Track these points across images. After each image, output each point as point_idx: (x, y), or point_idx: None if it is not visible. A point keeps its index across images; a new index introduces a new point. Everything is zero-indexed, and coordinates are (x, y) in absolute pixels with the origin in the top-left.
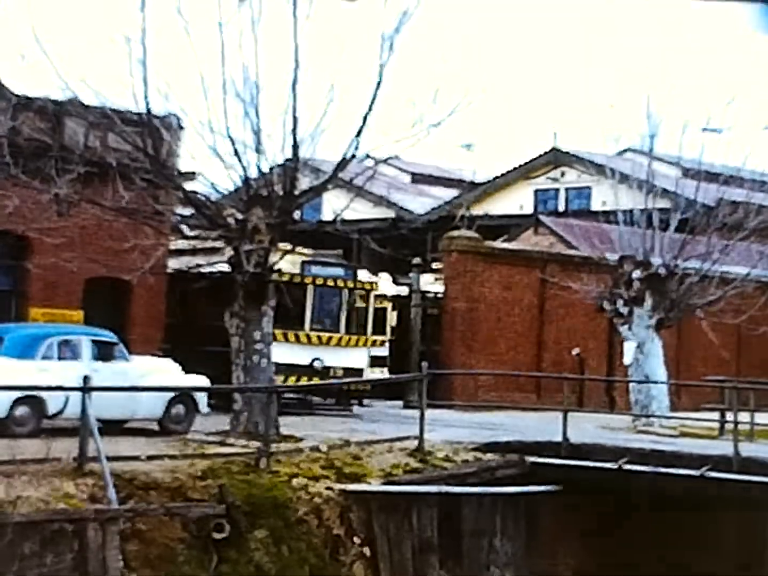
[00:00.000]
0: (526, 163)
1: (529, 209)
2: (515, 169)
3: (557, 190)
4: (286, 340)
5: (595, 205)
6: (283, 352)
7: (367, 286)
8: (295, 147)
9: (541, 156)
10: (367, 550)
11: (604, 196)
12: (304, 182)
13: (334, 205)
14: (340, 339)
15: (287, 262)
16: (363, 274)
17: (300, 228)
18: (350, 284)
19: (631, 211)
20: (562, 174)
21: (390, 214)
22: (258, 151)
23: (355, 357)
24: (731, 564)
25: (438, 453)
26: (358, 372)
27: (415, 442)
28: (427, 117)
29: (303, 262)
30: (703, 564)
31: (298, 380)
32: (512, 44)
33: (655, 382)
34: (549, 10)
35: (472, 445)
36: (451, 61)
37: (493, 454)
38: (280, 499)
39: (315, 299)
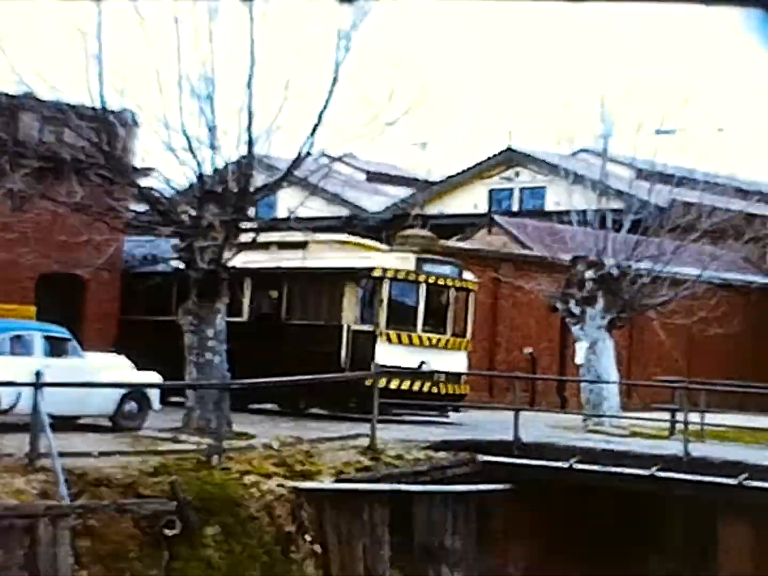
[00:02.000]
0: (480, 163)
1: (483, 209)
2: (470, 168)
3: (511, 189)
4: (400, 341)
5: (549, 206)
6: (393, 354)
7: (470, 286)
8: (250, 144)
9: (495, 156)
10: (318, 548)
11: (557, 197)
12: (259, 179)
13: (288, 202)
14: (447, 341)
15: (397, 259)
16: (467, 274)
17: (254, 225)
18: (457, 283)
19: (584, 211)
20: (517, 174)
21: (345, 212)
22: (213, 147)
23: (457, 360)
24: (681, 563)
25: (390, 451)
26: (458, 377)
27: (367, 440)
28: (383, 115)
29: (418, 259)
30: (653, 563)
31: (400, 384)
32: (469, 44)
33: (607, 382)
34: (506, 11)
35: (424, 444)
36: (408, 61)
37: (445, 453)
38: (232, 496)
39: (427, 299)
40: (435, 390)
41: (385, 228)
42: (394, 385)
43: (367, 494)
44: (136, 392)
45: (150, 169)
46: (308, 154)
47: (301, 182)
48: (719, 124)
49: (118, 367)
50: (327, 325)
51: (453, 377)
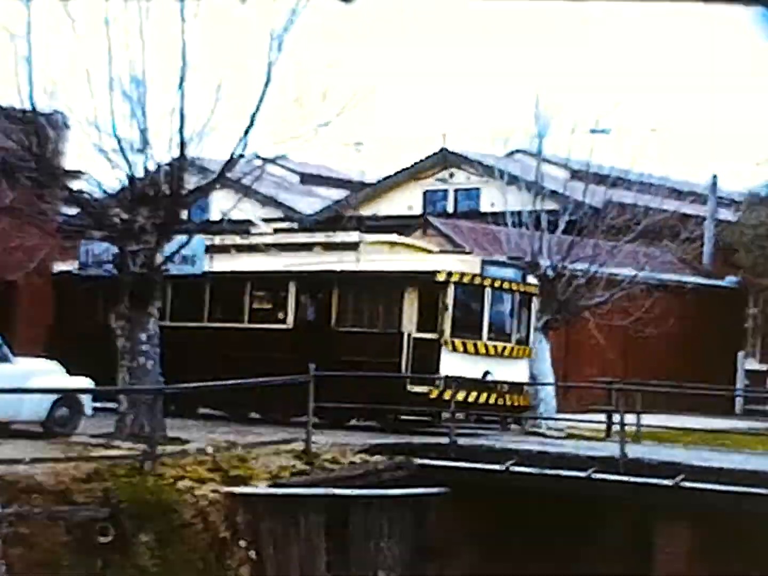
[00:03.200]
0: (415, 164)
1: (418, 210)
2: (404, 169)
3: (446, 191)
4: (465, 350)
5: (484, 207)
6: (459, 364)
7: (532, 290)
8: (182, 146)
9: (430, 157)
10: (253, 553)
11: (492, 198)
12: (192, 182)
13: (221, 205)
14: (512, 350)
15: (461, 261)
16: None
17: (187, 228)
18: (521, 287)
19: (519, 212)
20: (451, 175)
21: (278, 214)
22: (144, 150)
23: (519, 369)
24: (618, 565)
25: (325, 455)
26: (520, 387)
27: (303, 445)
28: (316, 117)
29: (483, 261)
30: (591, 566)
31: (467, 396)
32: (404, 45)
33: (543, 384)
34: (442, 11)
35: (359, 447)
36: (342, 62)
37: (381, 456)
38: (166, 502)
39: (492, 304)
40: (501, 401)
41: (319, 230)
42: (460, 396)
43: (302, 499)
44: (67, 398)
45: (81, 172)
46: (241, 156)
47: (234, 184)
48: (653, 124)
49: (49, 373)
50: (384, 333)
51: (516, 388)
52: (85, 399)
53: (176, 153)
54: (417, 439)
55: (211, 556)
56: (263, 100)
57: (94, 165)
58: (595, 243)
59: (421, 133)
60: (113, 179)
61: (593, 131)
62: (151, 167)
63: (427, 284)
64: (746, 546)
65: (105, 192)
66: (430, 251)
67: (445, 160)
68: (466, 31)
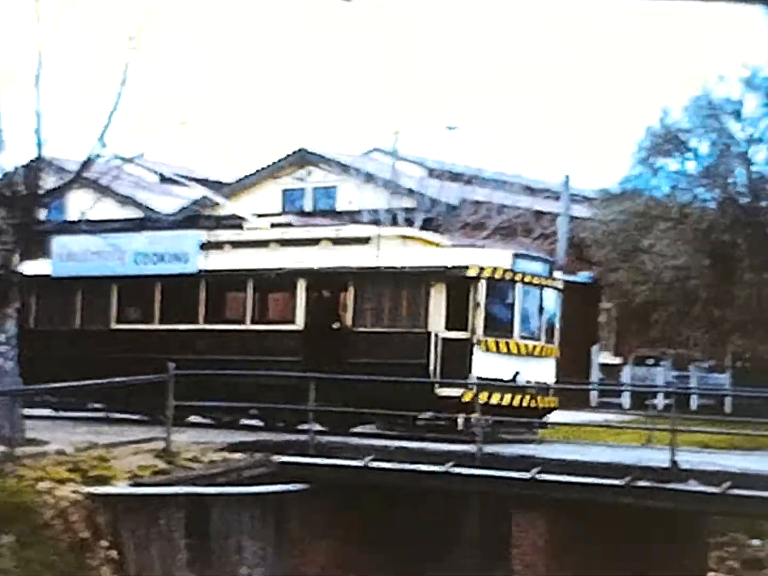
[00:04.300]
0: (273, 163)
1: (277, 209)
2: (263, 169)
3: (304, 189)
4: (498, 350)
5: (342, 205)
6: (491, 365)
7: (560, 285)
8: (39, 146)
9: (288, 156)
10: (114, 553)
11: (350, 196)
12: (49, 182)
13: (80, 205)
14: (542, 349)
15: (493, 255)
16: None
17: (44, 228)
18: (549, 282)
19: (376, 210)
20: (309, 173)
21: (137, 214)
22: (0, 150)
23: (546, 369)
24: (476, 560)
25: (185, 454)
26: (546, 388)
27: (163, 444)
28: (176, 116)
29: (515, 255)
30: (449, 561)
31: (501, 399)
32: (263, 42)
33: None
34: (296, 10)
35: (220, 446)
36: (203, 62)
37: (242, 454)
38: (26, 504)
39: (522, 301)
40: (534, 404)
41: (178, 230)
42: (495, 399)
43: (163, 498)
44: None
45: None
46: (98, 155)
47: (92, 184)
48: (507, 122)
49: None
50: (409, 332)
51: (543, 389)
52: None
53: (33, 153)
54: (277, 437)
55: (72, 556)
56: (120, 100)
57: None
58: (452, 239)
59: (280, 132)
60: None
61: (449, 128)
62: (8, 167)
63: (456, 280)
64: (601, 536)
65: None
66: (439, 244)
67: (303, 158)
68: (327, 28)
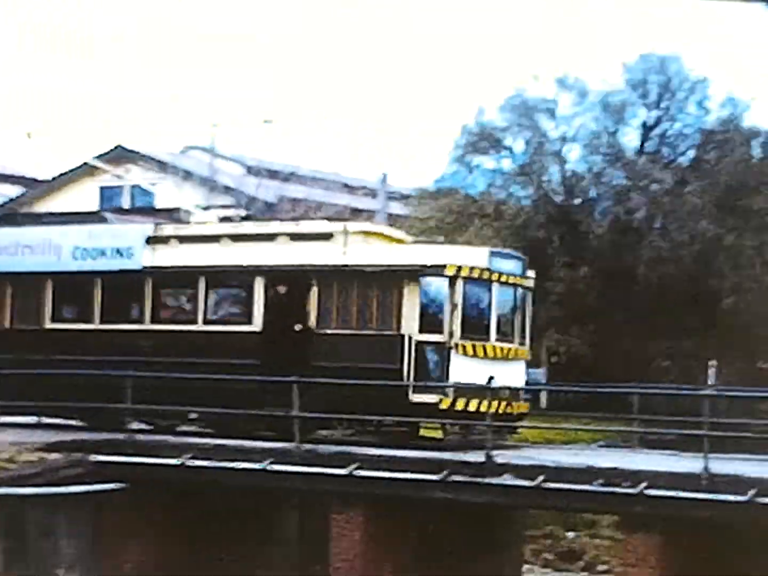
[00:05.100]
0: (91, 160)
1: (94, 206)
2: (81, 165)
3: (122, 187)
4: (475, 354)
5: (161, 203)
6: (467, 369)
7: (531, 285)
8: None
9: (105, 153)
10: None
11: (169, 194)
12: None
13: None
14: (516, 351)
15: (469, 253)
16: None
17: None
18: (523, 282)
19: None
20: (127, 171)
21: None
22: None
23: (517, 373)
24: (294, 558)
25: (1, 454)
26: (518, 392)
27: None
28: None
29: (491, 253)
30: (268, 558)
31: (479, 405)
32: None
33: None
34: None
35: (36, 446)
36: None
37: (59, 454)
38: None
39: (498, 301)
40: (509, 410)
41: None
42: (472, 406)
43: None
44: None
45: None
46: None
47: None
48: (321, 119)
49: None
50: (380, 335)
51: (515, 394)
52: None
53: None
54: (96, 436)
55: None
56: None
57: None
58: None
59: (98, 129)
60: None
61: (266, 122)
62: None
63: (431, 279)
64: (419, 531)
65: None
66: (403, 241)
67: (120, 156)
68: (143, 26)
